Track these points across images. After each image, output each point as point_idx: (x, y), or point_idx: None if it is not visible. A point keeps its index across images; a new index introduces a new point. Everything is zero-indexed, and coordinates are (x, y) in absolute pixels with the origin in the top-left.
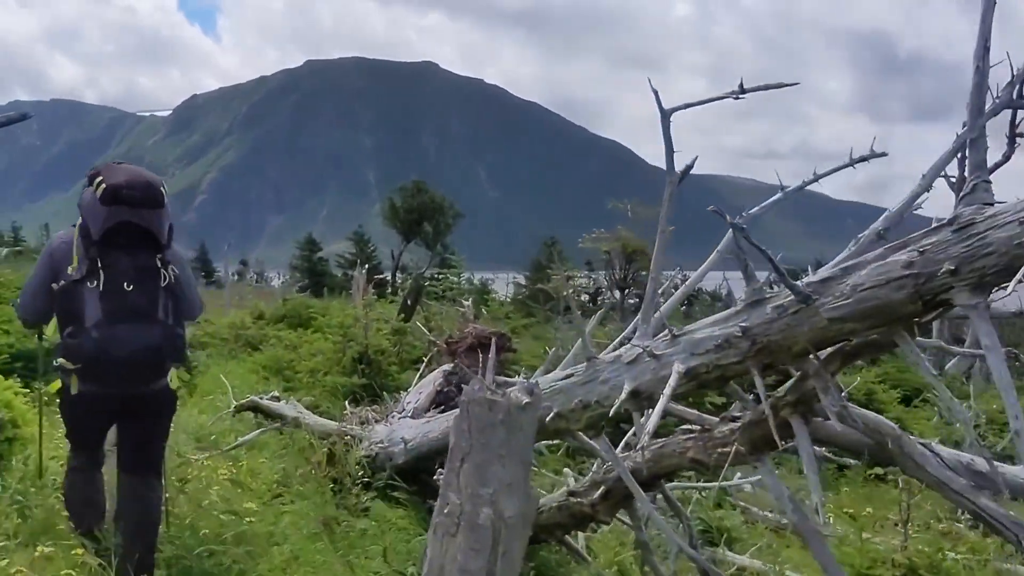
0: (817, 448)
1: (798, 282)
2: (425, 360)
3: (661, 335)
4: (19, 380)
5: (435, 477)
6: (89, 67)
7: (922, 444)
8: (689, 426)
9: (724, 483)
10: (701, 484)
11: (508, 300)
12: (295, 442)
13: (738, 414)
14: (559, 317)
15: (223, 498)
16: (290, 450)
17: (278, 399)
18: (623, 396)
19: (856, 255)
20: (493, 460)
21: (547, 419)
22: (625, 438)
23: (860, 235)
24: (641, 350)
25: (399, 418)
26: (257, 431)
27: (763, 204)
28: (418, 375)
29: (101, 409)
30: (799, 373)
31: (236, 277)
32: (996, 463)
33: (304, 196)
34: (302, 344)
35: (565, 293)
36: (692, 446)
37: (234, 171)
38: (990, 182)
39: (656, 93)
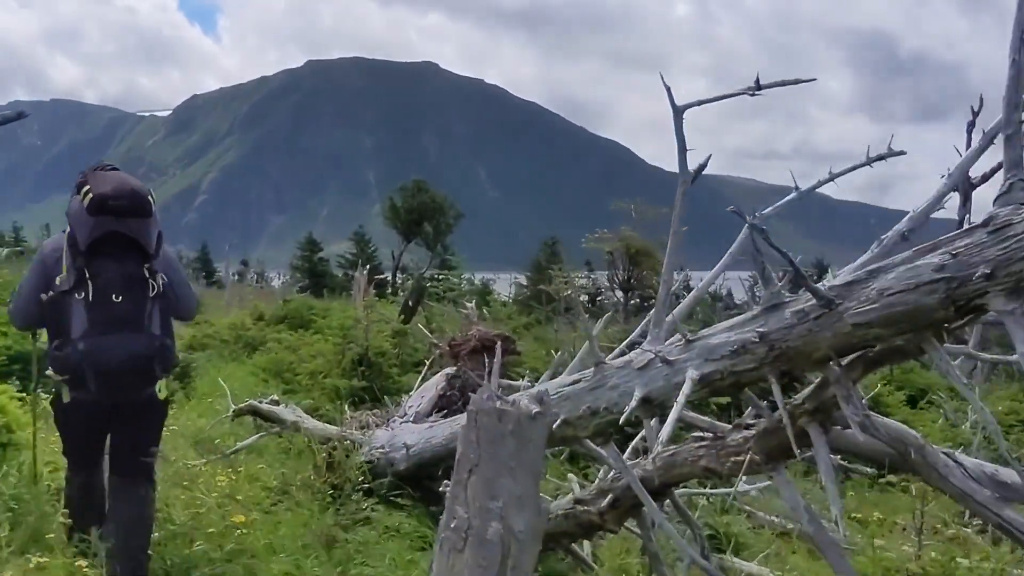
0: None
1: (819, 285)
2: (427, 363)
3: (673, 340)
4: (16, 383)
5: (441, 489)
6: (89, 67)
7: (945, 454)
8: (700, 433)
9: (733, 490)
10: (709, 491)
11: (511, 300)
12: (295, 447)
13: (751, 421)
14: (559, 318)
15: (221, 506)
16: (290, 455)
17: (277, 403)
18: (634, 403)
19: (880, 257)
20: (503, 472)
21: (554, 426)
22: (633, 443)
23: (883, 236)
24: (653, 355)
25: (401, 422)
26: (255, 436)
27: (777, 204)
28: (420, 378)
29: (92, 417)
30: (818, 380)
31: (236, 277)
32: None
33: (305, 196)
34: (302, 346)
35: (566, 294)
36: (705, 454)
37: (235, 171)
38: None
39: (669, 90)
